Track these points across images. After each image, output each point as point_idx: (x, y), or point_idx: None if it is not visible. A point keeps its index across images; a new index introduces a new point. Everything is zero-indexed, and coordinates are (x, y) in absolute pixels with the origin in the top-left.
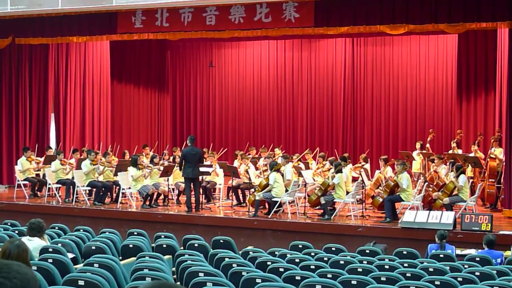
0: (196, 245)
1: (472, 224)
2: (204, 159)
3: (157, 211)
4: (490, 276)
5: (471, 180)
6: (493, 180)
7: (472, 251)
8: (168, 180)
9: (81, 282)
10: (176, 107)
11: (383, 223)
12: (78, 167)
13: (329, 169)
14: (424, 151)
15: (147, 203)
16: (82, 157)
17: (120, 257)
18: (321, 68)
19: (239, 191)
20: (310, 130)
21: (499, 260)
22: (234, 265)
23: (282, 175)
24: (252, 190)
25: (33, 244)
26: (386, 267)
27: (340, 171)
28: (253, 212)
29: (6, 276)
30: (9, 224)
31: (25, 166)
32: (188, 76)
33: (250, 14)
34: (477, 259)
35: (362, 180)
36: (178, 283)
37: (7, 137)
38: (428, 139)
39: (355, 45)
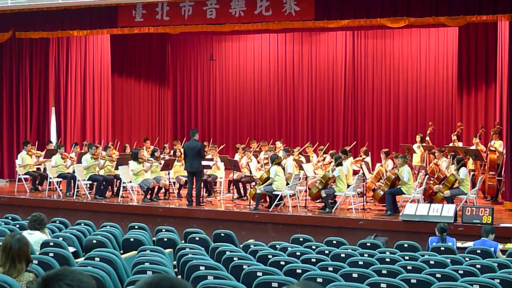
0: (197, 238)
1: (473, 217)
2: (205, 153)
3: (158, 205)
4: (491, 268)
5: (472, 173)
6: (493, 173)
7: (471, 244)
8: (169, 174)
9: None
10: (177, 101)
11: (384, 216)
12: (79, 161)
13: (329, 162)
14: (424, 144)
15: (148, 196)
16: (82, 151)
17: (121, 251)
18: (322, 62)
19: (240, 185)
20: (311, 123)
21: (492, 249)
22: (235, 258)
23: (283, 168)
24: (253, 183)
25: (34, 238)
26: (387, 260)
27: (340, 164)
28: (254, 206)
29: (69, 284)
30: (10, 218)
31: (25, 160)
32: (188, 69)
33: (251, 8)
34: (478, 251)
35: (363, 173)
36: (179, 276)
37: (8, 131)
38: (428, 131)
39: (355, 38)
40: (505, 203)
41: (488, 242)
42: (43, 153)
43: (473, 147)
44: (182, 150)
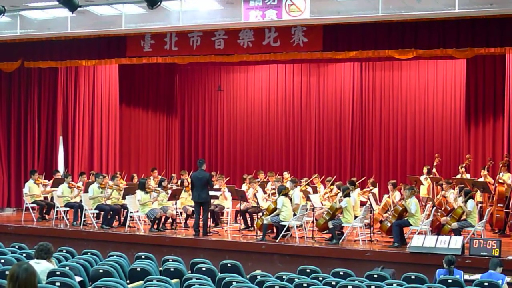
0: (203, 269)
1: (481, 249)
2: (213, 183)
3: (165, 235)
4: None
5: (480, 205)
6: (501, 205)
7: (479, 277)
8: (176, 204)
9: None
10: (185, 131)
11: (391, 248)
12: (86, 190)
13: (337, 194)
14: (431, 176)
15: (155, 226)
16: (90, 180)
17: (128, 281)
18: (330, 93)
19: (247, 215)
20: (318, 154)
21: (500, 282)
22: None
23: (290, 199)
24: (260, 214)
25: (41, 267)
26: None
27: (348, 195)
28: (261, 236)
29: None
30: (16, 247)
31: (32, 189)
32: (196, 100)
33: (259, 38)
34: (486, 284)
35: (370, 205)
36: None
37: (16, 160)
38: (434, 163)
39: (363, 70)
40: None
41: (495, 274)
42: (51, 182)
43: (481, 179)
44: (189, 180)
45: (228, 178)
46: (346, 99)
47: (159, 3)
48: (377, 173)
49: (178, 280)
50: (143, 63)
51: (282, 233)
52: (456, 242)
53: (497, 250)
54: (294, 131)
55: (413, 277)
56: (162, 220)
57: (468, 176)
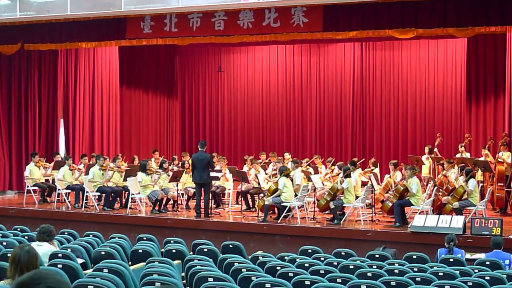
0: (205, 250)
1: (482, 229)
2: (214, 164)
3: (167, 216)
4: (500, 280)
5: (481, 184)
6: (502, 184)
7: (482, 256)
8: (177, 185)
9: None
10: (185, 112)
11: (393, 228)
12: (87, 172)
13: (338, 174)
14: (432, 155)
15: (156, 208)
16: (91, 162)
17: (130, 262)
18: (330, 73)
19: (249, 196)
20: (319, 134)
21: (507, 262)
22: (243, 270)
23: (292, 180)
24: (262, 195)
25: (43, 249)
26: (396, 271)
27: (349, 175)
28: (263, 217)
29: (51, 286)
30: (18, 229)
31: (33, 172)
32: (197, 81)
33: (259, 19)
34: (487, 263)
35: (372, 185)
36: None
37: (17, 143)
38: (436, 143)
39: (363, 50)
40: None
41: (501, 253)
42: (51, 165)
43: (482, 159)
44: (190, 161)
45: (226, 162)
46: (347, 80)
47: None
48: (378, 153)
49: (180, 261)
50: (143, 45)
51: (284, 213)
52: (457, 221)
53: (498, 229)
54: (295, 111)
55: (414, 257)
56: (164, 201)
57: (467, 155)
